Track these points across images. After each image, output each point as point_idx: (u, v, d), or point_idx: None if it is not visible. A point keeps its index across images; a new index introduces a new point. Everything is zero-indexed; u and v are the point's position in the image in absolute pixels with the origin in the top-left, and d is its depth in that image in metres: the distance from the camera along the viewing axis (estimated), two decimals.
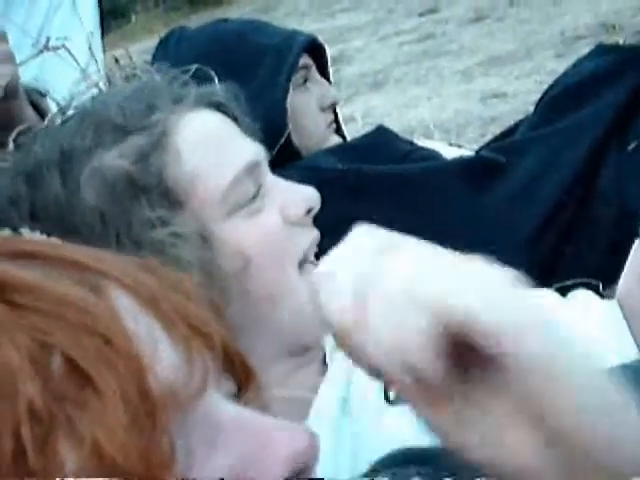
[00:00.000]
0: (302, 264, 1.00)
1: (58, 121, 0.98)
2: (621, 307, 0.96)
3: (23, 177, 0.96)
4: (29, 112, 1.20)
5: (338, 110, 1.64)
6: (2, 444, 0.37)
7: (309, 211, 1.00)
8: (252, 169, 0.99)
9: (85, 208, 0.93)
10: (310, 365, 1.04)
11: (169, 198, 0.95)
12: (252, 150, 1.00)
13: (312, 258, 1.01)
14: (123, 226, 0.93)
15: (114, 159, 0.94)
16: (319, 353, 1.04)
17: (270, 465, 0.42)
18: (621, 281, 0.91)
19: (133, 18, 9.86)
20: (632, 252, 0.92)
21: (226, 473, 0.43)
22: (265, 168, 1.02)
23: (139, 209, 0.94)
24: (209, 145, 0.98)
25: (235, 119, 1.03)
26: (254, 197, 0.98)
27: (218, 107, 1.02)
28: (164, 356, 0.43)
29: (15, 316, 0.40)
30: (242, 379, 0.48)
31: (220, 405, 0.45)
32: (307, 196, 1.00)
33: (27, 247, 0.46)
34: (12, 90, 1.17)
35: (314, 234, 1.02)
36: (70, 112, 1.00)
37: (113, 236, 0.93)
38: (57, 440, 0.38)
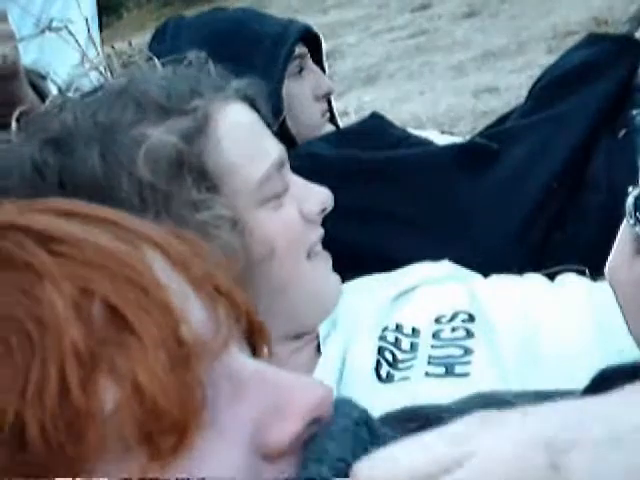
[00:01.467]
0: (309, 255, 1.06)
1: (58, 102, 0.99)
2: (610, 285, 0.97)
3: (52, 145, 0.94)
4: (29, 93, 1.20)
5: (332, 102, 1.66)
6: (49, 384, 0.40)
7: (323, 210, 1.07)
8: (281, 165, 1.04)
9: (124, 182, 0.93)
10: (305, 349, 1.07)
11: (207, 182, 0.97)
12: (279, 147, 1.05)
13: (317, 250, 1.08)
14: (165, 203, 0.94)
15: (163, 134, 0.95)
16: (314, 338, 1.07)
17: (290, 416, 0.45)
18: (610, 259, 0.93)
19: (125, 14, 9.84)
20: (620, 231, 0.94)
21: (249, 424, 0.45)
22: (287, 163, 1.07)
23: (184, 189, 0.95)
24: (245, 137, 1.02)
25: (260, 114, 1.07)
26: (281, 192, 1.03)
27: (250, 101, 1.05)
28: (193, 311, 0.45)
29: (59, 265, 0.43)
30: (259, 345, 0.51)
31: (243, 361, 0.47)
32: (323, 197, 1.07)
33: (68, 206, 0.49)
34: (13, 69, 1.16)
35: (321, 231, 1.08)
36: (70, 94, 1.00)
37: (152, 212, 0.92)
38: (99, 379, 0.41)
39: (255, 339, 0.50)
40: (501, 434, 0.38)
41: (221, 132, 0.99)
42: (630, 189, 0.87)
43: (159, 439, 0.41)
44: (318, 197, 1.06)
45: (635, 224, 0.86)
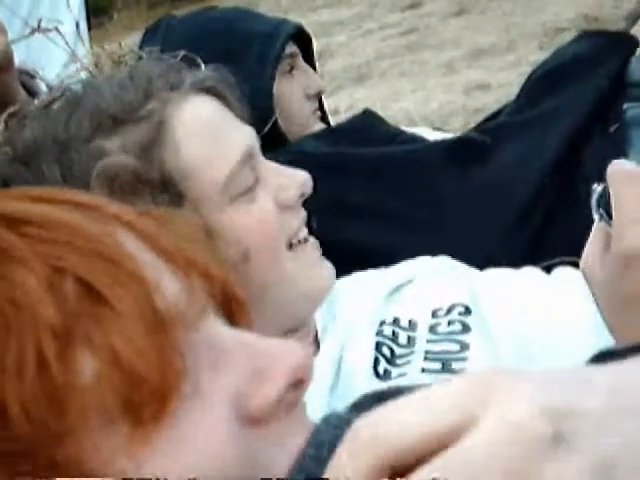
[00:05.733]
0: (291, 245, 1.01)
1: (46, 101, 0.98)
2: (586, 281, 0.97)
3: (18, 161, 0.94)
4: (20, 90, 1.19)
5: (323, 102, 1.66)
6: (27, 360, 0.40)
7: (302, 195, 1.01)
8: (248, 157, 0.98)
9: None
10: (301, 344, 1.06)
11: (169, 191, 0.94)
12: (246, 136, 1.00)
13: (300, 238, 1.02)
14: None
15: (118, 154, 0.92)
16: (310, 332, 1.06)
17: (270, 379, 0.45)
18: (583, 257, 0.91)
19: (115, 16, 9.81)
20: (592, 231, 0.93)
21: (231, 391, 0.45)
22: (258, 151, 1.02)
23: (144, 204, 0.91)
24: (206, 136, 0.97)
25: (227, 102, 1.02)
26: (252, 185, 0.98)
27: (211, 91, 1.01)
28: (166, 283, 0.46)
29: (30, 246, 0.43)
30: (237, 315, 0.51)
31: (221, 329, 0.48)
32: (301, 181, 1.01)
33: (38, 192, 0.50)
34: (4, 62, 1.15)
35: (303, 215, 1.03)
36: (58, 94, 0.99)
37: None
38: (76, 351, 0.41)
39: (232, 309, 0.51)
40: (508, 399, 0.36)
41: (179, 135, 0.95)
42: (594, 186, 0.87)
43: (140, 408, 0.42)
44: (295, 181, 1.01)
45: (600, 219, 0.86)
